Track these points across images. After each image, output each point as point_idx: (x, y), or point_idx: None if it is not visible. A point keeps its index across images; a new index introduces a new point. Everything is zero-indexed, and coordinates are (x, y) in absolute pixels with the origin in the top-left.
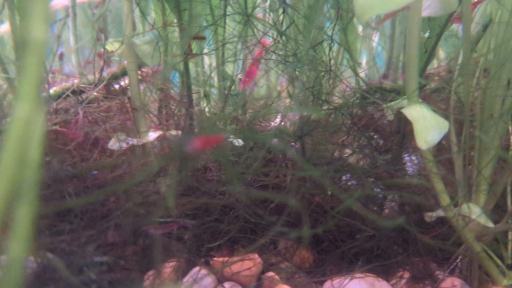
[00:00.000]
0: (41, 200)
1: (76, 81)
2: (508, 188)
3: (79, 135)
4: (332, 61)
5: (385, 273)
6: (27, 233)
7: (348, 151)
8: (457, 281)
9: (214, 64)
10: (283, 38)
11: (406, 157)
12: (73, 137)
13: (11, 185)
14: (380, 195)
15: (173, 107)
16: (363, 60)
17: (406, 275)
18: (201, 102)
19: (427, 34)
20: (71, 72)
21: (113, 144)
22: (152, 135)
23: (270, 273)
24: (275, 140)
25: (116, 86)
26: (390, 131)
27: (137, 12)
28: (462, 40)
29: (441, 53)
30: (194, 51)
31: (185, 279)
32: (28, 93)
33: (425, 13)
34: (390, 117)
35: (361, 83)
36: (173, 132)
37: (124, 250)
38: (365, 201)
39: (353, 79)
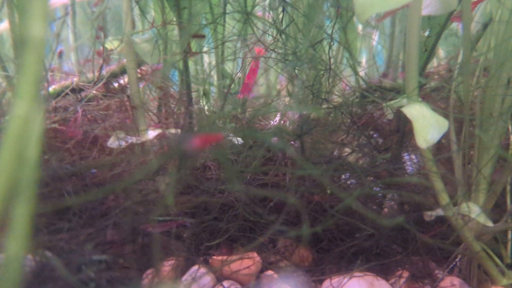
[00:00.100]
0: (40, 198)
1: (75, 79)
2: (508, 187)
3: (78, 133)
4: (332, 60)
5: (384, 272)
6: (25, 231)
7: (347, 150)
8: (456, 280)
9: (213, 62)
10: (283, 36)
11: (406, 156)
12: (72, 135)
13: (9, 182)
14: (380, 194)
15: (172, 106)
16: (363, 59)
17: (405, 274)
18: (201, 101)
19: (427, 33)
20: (70, 70)
21: (112, 143)
22: (152, 134)
23: (269, 272)
24: (275, 138)
25: (116, 84)
26: (389, 130)
27: (136, 10)
28: (462, 39)
29: (441, 52)
30: (193, 50)
31: (184, 278)
32: (26, 91)
33: (425, 11)
34: (390, 116)
35: (361, 82)
36: (173, 131)
37: (123, 249)
38: (365, 200)
39: (353, 78)
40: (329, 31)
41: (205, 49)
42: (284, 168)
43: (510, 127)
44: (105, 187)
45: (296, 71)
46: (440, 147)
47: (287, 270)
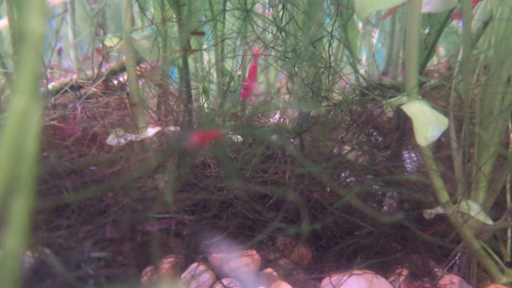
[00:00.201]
0: (39, 195)
1: (74, 76)
2: (508, 185)
3: (77, 131)
4: (332, 58)
5: (383, 270)
6: (23, 227)
7: (347, 147)
8: (455, 279)
9: (213, 60)
10: (283, 34)
11: (406, 154)
12: (71, 133)
13: (7, 178)
14: (379, 192)
15: (171, 103)
16: (363, 57)
17: (405, 272)
18: (200, 98)
19: (427, 31)
20: (69, 67)
21: (111, 140)
22: (151, 131)
23: (269, 270)
24: (274, 136)
25: (115, 82)
26: (389, 128)
27: (136, 7)
28: (462, 37)
29: (441, 50)
30: (193, 47)
31: (183, 275)
32: (24, 87)
33: (425, 9)
34: (390, 113)
35: (361, 79)
36: (172, 128)
37: (121, 246)
38: (364, 198)
39: (352, 76)
40: (329, 29)
41: (204, 46)
42: (284, 166)
43: (510, 125)
44: (104, 184)
45: (296, 68)
46: (440, 145)
47: (287, 268)
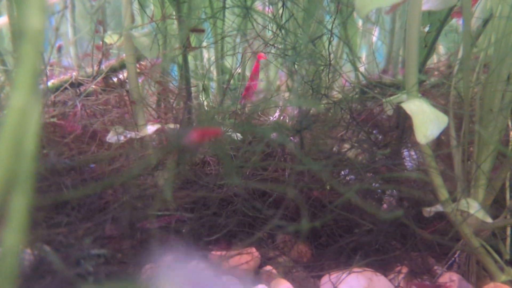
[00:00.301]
0: (39, 192)
1: (74, 73)
2: (507, 183)
3: (77, 128)
4: (332, 55)
5: (383, 268)
6: (22, 224)
7: (347, 145)
8: (455, 276)
9: (213, 57)
10: (283, 31)
11: (405, 152)
12: (71, 130)
13: (6, 174)
14: (379, 190)
15: (171, 101)
16: (363, 55)
17: (404, 270)
18: (200, 96)
19: (427, 29)
20: (69, 64)
21: (111, 137)
22: (150, 129)
23: (268, 267)
24: (274, 134)
25: (115, 79)
26: (389, 126)
27: (136, 5)
28: (462, 35)
29: (441, 48)
30: (193, 44)
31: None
32: (24, 82)
33: (425, 7)
34: (390, 112)
35: (361, 77)
36: (172, 126)
37: (121, 243)
38: (364, 196)
39: (352, 74)
40: (329, 27)
41: (204, 44)
42: (283, 164)
43: (510, 123)
44: (103, 181)
45: (296, 66)
46: (439, 143)
47: (286, 266)
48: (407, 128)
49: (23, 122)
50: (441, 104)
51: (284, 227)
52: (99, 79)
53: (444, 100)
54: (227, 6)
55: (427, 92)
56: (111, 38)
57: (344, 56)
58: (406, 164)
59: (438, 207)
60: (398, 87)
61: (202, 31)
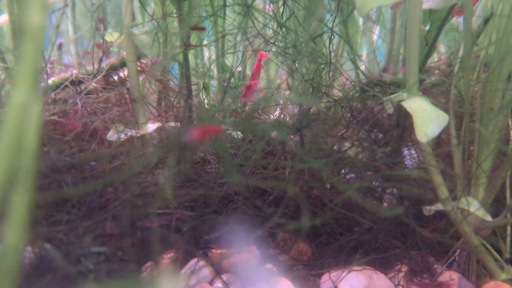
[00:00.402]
0: (39, 190)
1: (75, 71)
2: (507, 182)
3: (78, 126)
4: (332, 54)
5: (383, 266)
6: (23, 220)
7: (347, 144)
8: (455, 275)
9: (213, 56)
10: (283, 29)
11: (405, 151)
12: (71, 128)
13: (7, 171)
14: (379, 189)
15: (172, 99)
16: (363, 54)
17: (404, 268)
18: (201, 94)
19: (427, 27)
20: (69, 62)
21: (111, 135)
22: (151, 127)
23: (268, 265)
24: (274, 133)
25: (115, 77)
26: (389, 124)
27: (136, 2)
28: (463, 34)
29: (442, 47)
30: (193, 42)
31: (183, 271)
32: (25, 79)
33: (426, 5)
34: (390, 110)
35: (361, 76)
36: (172, 124)
37: (122, 241)
38: (364, 195)
39: (353, 72)
40: (330, 25)
41: (205, 42)
42: (284, 162)
43: (510, 122)
44: (104, 179)
45: (296, 64)
46: (440, 141)
47: (286, 264)
48: (408, 127)
49: (23, 119)
50: (441, 103)
51: (284, 225)
52: (99, 77)
53: (444, 98)
54: (227, 4)
55: (427, 91)
56: (111, 36)
57: (345, 54)
58: (406, 162)
59: (438, 206)
60: (398, 85)
61: (203, 29)
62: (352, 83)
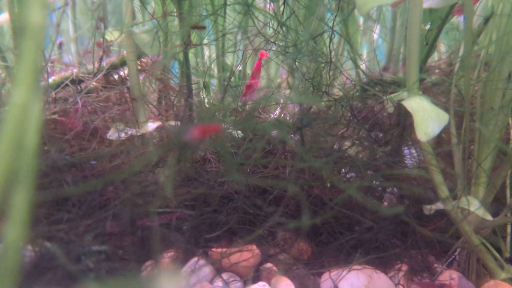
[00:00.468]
0: (40, 189)
1: (75, 70)
2: (508, 181)
3: (78, 125)
4: (333, 53)
5: (383, 265)
6: (24, 219)
7: (347, 143)
8: (455, 274)
9: (213, 55)
10: (284, 28)
11: (406, 150)
12: (72, 127)
13: (8, 169)
14: (379, 188)
15: (172, 98)
16: (364, 53)
17: (404, 267)
18: (201, 93)
19: (428, 27)
20: (70, 61)
21: (112, 134)
22: (151, 126)
23: (268, 264)
24: (275, 132)
25: (116, 76)
26: (390, 123)
27: (136, 1)
28: (463, 33)
29: (442, 46)
30: (194, 41)
31: (183, 270)
32: (25, 78)
33: (426, 4)
34: (391, 109)
35: (362, 75)
36: (172, 123)
37: (122, 240)
38: (364, 193)
39: (353, 72)
40: (330, 24)
41: (205, 41)
42: (284, 161)
43: (510, 121)
44: (104, 178)
45: (297, 63)
46: (440, 141)
47: (286, 263)
48: (408, 126)
49: (24, 118)
50: (442, 102)
51: (284, 224)
52: (100, 76)
53: (445, 98)
54: (228, 3)
55: (428, 90)
56: (112, 35)
57: (345, 53)
58: (406, 161)
59: (439, 205)
60: (399, 84)
61: (203, 28)
62: (353, 82)
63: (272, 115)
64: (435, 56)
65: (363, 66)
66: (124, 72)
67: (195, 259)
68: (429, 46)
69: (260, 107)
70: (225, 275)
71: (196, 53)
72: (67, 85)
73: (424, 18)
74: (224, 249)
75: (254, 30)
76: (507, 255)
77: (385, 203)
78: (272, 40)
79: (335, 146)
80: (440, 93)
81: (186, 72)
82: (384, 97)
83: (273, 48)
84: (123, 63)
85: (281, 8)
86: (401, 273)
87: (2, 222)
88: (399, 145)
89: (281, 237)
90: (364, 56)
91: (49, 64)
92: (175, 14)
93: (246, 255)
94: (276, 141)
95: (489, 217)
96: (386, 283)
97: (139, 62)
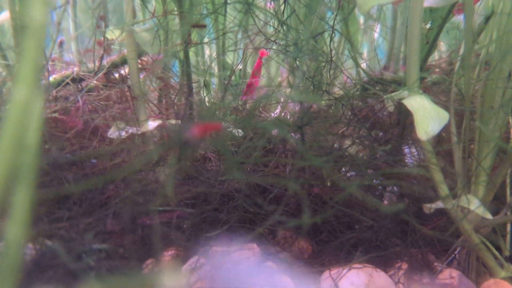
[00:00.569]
0: (40, 187)
1: (76, 69)
2: (508, 180)
3: (79, 123)
4: (333, 52)
5: (383, 264)
6: (25, 217)
7: (348, 142)
8: (455, 273)
9: (214, 53)
10: (284, 27)
11: (406, 149)
12: (72, 125)
13: (9, 167)
14: (380, 186)
15: (173, 96)
16: (364, 52)
17: (404, 266)
18: (201, 92)
19: (428, 26)
20: (70, 60)
21: (112, 133)
22: (152, 124)
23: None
24: (275, 131)
25: (116, 75)
26: (390, 122)
27: (137, 0)
28: (463, 32)
29: (443, 45)
30: (194, 40)
31: (183, 268)
32: (26, 76)
33: (426, 3)
34: (391, 108)
35: (362, 74)
36: (173, 121)
37: (122, 239)
38: (365, 192)
39: (354, 71)
40: (331, 23)
41: (206, 39)
42: (284, 160)
43: (510, 119)
44: (105, 176)
45: (297, 62)
46: (440, 139)
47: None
48: (408, 125)
49: (25, 116)
50: (442, 101)
51: (285, 223)
52: (100, 74)
53: (445, 97)
54: (228, 1)
55: (428, 89)
56: (112, 33)
57: (346, 52)
58: (406, 160)
59: (439, 204)
60: (399, 83)
61: (204, 26)
62: (353, 81)
63: (273, 114)
64: (435, 55)
65: (363, 65)
66: (124, 70)
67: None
68: (430, 45)
69: (260, 106)
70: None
71: (196, 51)
72: (67, 83)
73: (424, 17)
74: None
75: (255, 29)
76: (507, 253)
77: (385, 202)
78: (272, 39)
79: (335, 145)
80: (441, 92)
81: (187, 70)
82: (385, 96)
83: (274, 47)
84: (123, 62)
85: (282, 7)
86: (401, 272)
87: (3, 220)
88: (399, 144)
89: (282, 235)
90: (365, 55)
91: (50, 63)
92: (176, 12)
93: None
94: (277, 140)
95: (489, 216)
96: (386, 281)
97: (139, 61)
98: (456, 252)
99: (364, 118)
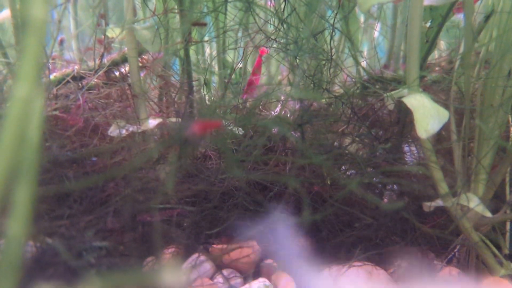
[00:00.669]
0: (41, 185)
1: (76, 67)
2: (507, 178)
3: (79, 121)
4: (333, 50)
5: (383, 262)
6: (26, 214)
7: (348, 140)
8: (454, 271)
9: (214, 51)
10: (284, 25)
11: (406, 147)
12: (73, 123)
13: (10, 164)
14: (379, 184)
15: (173, 95)
16: (364, 50)
17: (404, 264)
18: (202, 90)
19: (428, 24)
20: (71, 58)
21: (113, 131)
22: (152, 122)
23: (269, 261)
24: (275, 129)
25: (117, 73)
26: (390, 121)
27: None
28: (463, 31)
29: (442, 44)
30: (194, 38)
31: (184, 266)
32: (27, 73)
33: (427, 2)
34: (391, 106)
35: (362, 72)
36: (173, 120)
37: (123, 236)
38: (364, 190)
39: (354, 69)
40: (331, 21)
41: (206, 38)
42: (285, 158)
43: (510, 118)
44: (105, 174)
45: (297, 60)
46: (440, 138)
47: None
48: (408, 123)
49: (26, 113)
50: (442, 99)
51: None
52: (101, 72)
53: (445, 95)
54: (229, 0)
55: (428, 87)
56: (113, 31)
57: (346, 50)
58: (406, 158)
59: (438, 202)
60: (399, 82)
61: (204, 25)
62: (353, 79)
63: (273, 112)
64: (435, 54)
65: (363, 64)
66: (125, 69)
67: (196, 255)
68: (430, 43)
69: (260, 104)
70: (225, 271)
71: (197, 50)
72: (68, 81)
73: (424, 15)
74: (225, 245)
75: (255, 27)
76: (507, 251)
77: (385, 200)
78: (273, 37)
79: (335, 143)
80: (440, 91)
81: (187, 69)
82: (385, 94)
83: (274, 45)
84: (124, 60)
85: (282, 5)
86: (401, 270)
87: (4, 217)
88: (399, 142)
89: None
90: (365, 53)
91: (51, 61)
92: (176, 11)
93: (246, 251)
94: (277, 138)
95: (488, 214)
96: (385, 279)
97: (140, 59)
98: (455, 250)
99: (364, 116)
